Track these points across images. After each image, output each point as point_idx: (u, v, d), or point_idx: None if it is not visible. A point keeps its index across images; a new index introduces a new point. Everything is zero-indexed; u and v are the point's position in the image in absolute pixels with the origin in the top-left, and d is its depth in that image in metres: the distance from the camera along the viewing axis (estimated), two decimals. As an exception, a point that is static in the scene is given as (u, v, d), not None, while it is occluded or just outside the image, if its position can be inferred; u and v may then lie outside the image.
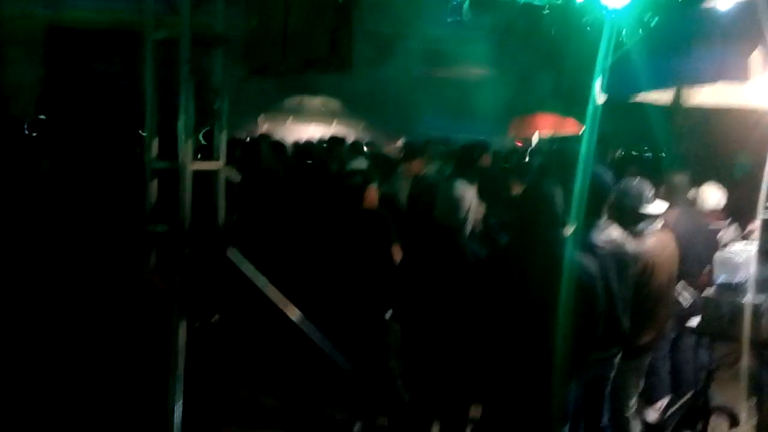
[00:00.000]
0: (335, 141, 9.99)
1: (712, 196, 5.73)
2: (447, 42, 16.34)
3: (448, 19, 14.55)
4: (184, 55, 3.85)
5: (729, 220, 5.86)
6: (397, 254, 5.12)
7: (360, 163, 6.78)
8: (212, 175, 4.24)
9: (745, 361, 4.08)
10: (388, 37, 15.72)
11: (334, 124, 17.50)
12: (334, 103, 18.59)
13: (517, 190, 5.64)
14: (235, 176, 6.38)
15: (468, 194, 4.13)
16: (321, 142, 11.31)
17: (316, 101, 18.51)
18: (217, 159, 4.22)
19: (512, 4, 14.59)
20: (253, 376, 5.76)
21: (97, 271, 6.26)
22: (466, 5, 14.37)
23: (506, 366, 3.69)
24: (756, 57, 3.56)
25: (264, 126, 17.01)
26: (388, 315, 5.10)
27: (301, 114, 18.38)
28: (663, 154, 12.47)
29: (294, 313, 4.90)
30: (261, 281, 4.51)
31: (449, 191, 4.16)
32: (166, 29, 4.00)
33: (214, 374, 5.36)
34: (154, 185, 4.23)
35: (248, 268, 4.28)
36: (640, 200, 4.48)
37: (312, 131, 15.27)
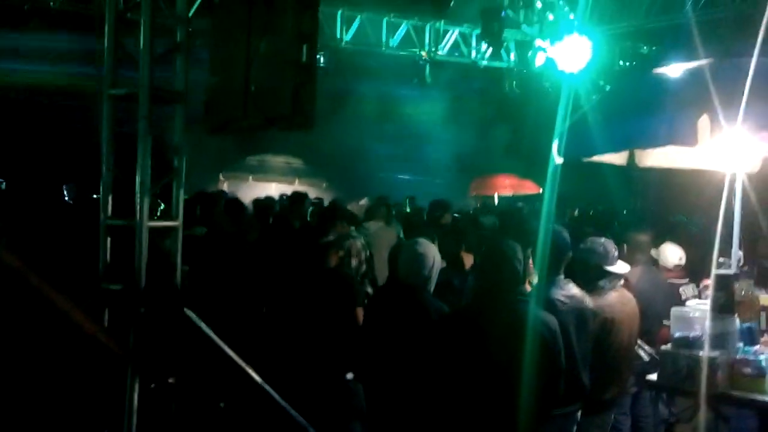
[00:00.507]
0: (297, 197, 9.99)
1: (673, 253, 5.93)
2: (411, 105, 16.67)
3: (413, 81, 14.96)
4: (143, 111, 3.84)
5: (688, 277, 5.99)
6: (361, 317, 5.10)
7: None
8: (169, 233, 4.18)
9: (702, 415, 4.11)
10: (349, 94, 15.94)
11: (296, 183, 17.51)
12: (296, 162, 18.62)
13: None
14: (200, 230, 6.33)
15: (431, 252, 4.16)
16: (282, 197, 11.30)
17: (277, 160, 18.53)
18: (175, 217, 4.18)
19: (472, 67, 15.08)
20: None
21: (50, 331, 6.07)
22: (427, 69, 14.79)
23: (470, 424, 3.65)
24: (704, 123, 3.68)
25: (224, 184, 16.94)
26: (350, 376, 5.05)
27: (263, 173, 18.36)
28: (623, 212, 12.76)
29: (254, 375, 4.80)
30: (220, 342, 4.43)
31: (412, 249, 4.18)
32: (125, 85, 4.00)
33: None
34: (108, 243, 4.16)
35: (206, 328, 4.21)
36: (606, 258, 4.60)
37: (274, 190, 15.25)
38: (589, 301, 4.35)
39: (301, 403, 5.25)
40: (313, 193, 12.98)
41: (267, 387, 4.39)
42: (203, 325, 3.95)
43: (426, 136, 17.62)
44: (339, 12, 13.56)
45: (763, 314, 4.24)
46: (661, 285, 5.66)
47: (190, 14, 3.96)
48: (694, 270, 6.01)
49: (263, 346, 5.44)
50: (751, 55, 3.76)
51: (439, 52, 14.62)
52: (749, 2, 11.98)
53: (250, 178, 18.23)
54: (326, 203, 11.49)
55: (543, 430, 3.80)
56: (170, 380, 3.98)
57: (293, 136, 14.40)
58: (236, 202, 7.96)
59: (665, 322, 5.45)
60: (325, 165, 17.61)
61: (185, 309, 3.90)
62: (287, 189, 14.13)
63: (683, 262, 5.94)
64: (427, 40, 14.60)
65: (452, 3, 11.71)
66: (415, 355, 3.88)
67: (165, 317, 3.95)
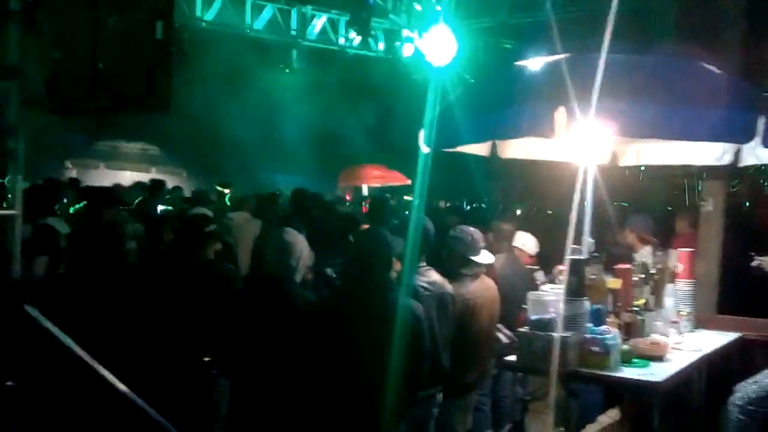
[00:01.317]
0: (157, 185, 9.61)
1: (530, 242, 6.23)
2: (277, 91, 16.39)
3: (280, 66, 14.70)
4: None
5: (539, 264, 6.32)
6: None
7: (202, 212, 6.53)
8: (5, 222, 3.83)
9: (554, 393, 4.31)
10: (215, 82, 15.44)
11: (152, 171, 16.81)
12: (152, 149, 17.84)
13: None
14: (62, 226, 5.91)
15: (298, 241, 4.09)
16: (138, 185, 10.82)
17: (132, 146, 17.69)
18: (12, 205, 3.83)
19: (343, 56, 15.02)
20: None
21: None
22: (294, 54, 14.59)
23: (337, 412, 3.66)
24: (560, 115, 3.82)
25: (72, 172, 16.00)
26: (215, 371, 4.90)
27: (115, 160, 17.49)
28: (483, 204, 13.20)
29: (107, 376, 4.51)
30: (68, 340, 4.13)
31: (279, 239, 4.09)
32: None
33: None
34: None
35: (51, 326, 3.90)
36: (471, 248, 4.78)
37: (128, 179, 14.53)
38: (449, 287, 4.51)
39: (165, 400, 5.04)
40: (172, 182, 12.48)
41: (123, 387, 4.15)
42: (47, 323, 3.66)
43: (293, 124, 17.40)
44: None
45: (609, 296, 4.47)
46: (521, 271, 5.95)
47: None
48: (545, 257, 6.37)
49: (131, 342, 5.20)
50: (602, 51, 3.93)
51: (307, 38, 14.47)
52: (604, 1, 12.69)
53: (102, 165, 17.34)
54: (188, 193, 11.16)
55: (408, 414, 3.88)
56: (8, 383, 3.67)
57: (149, 121, 13.74)
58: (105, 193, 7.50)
59: (524, 306, 5.74)
60: (184, 152, 16.96)
61: (25, 305, 3.60)
62: (143, 177, 13.48)
63: (536, 250, 6.30)
64: (293, 25, 14.39)
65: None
66: (283, 347, 3.83)
67: (1, 314, 3.63)
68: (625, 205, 9.90)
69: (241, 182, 11.09)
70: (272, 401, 3.90)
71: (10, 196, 3.65)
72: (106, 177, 15.20)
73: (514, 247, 6.16)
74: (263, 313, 3.96)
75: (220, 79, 15.48)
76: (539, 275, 6.18)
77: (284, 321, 3.88)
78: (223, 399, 4.53)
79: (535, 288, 5.83)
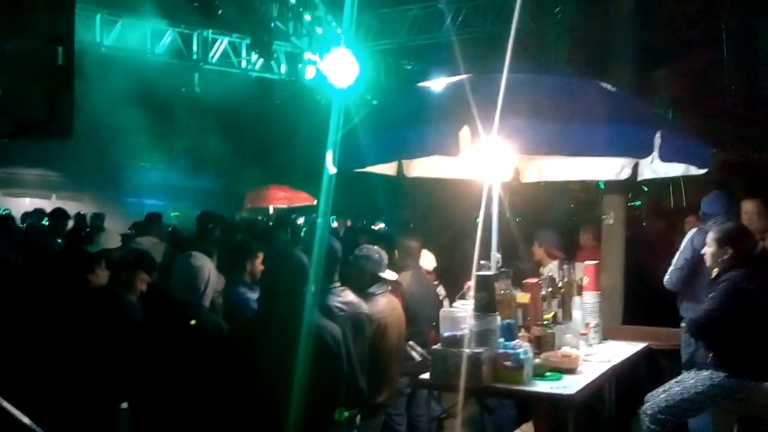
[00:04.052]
0: (59, 215, 9.25)
1: (429, 258, 6.28)
2: (180, 110, 16.10)
3: (182, 90, 14.51)
4: None
5: (437, 280, 6.41)
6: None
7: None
8: None
9: (469, 409, 4.37)
10: (114, 102, 15.08)
11: (53, 197, 16.17)
12: (53, 175, 17.18)
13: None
14: None
15: (206, 265, 4.01)
16: (39, 214, 10.38)
17: (31, 173, 16.99)
18: None
19: (243, 77, 14.93)
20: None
21: None
22: (196, 78, 14.43)
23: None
24: (464, 134, 3.88)
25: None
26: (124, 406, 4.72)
27: (14, 186, 16.75)
28: (387, 223, 13.34)
29: (11, 409, 4.29)
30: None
31: (186, 262, 4.00)
32: None
33: None
34: None
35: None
36: (380, 266, 4.79)
37: (28, 205, 13.95)
38: (364, 307, 4.49)
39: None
40: (73, 208, 12.01)
41: (27, 420, 3.96)
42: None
43: (196, 147, 17.14)
44: (98, 15, 12.82)
45: (519, 311, 4.53)
46: (428, 288, 5.97)
47: None
48: (445, 273, 6.49)
49: (30, 376, 4.95)
50: (503, 71, 4.09)
51: (209, 61, 14.38)
52: (497, 24, 13.19)
53: (0, 192, 16.60)
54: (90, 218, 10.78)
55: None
56: None
57: (49, 146, 13.28)
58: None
59: (434, 323, 5.79)
60: (85, 178, 16.41)
61: None
62: (44, 204, 12.98)
63: (433, 266, 6.34)
64: (195, 48, 14.27)
65: (220, 12, 11.53)
66: (190, 374, 3.72)
67: None
68: (525, 220, 10.16)
69: (143, 205, 10.78)
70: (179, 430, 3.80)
71: None
72: (5, 204, 14.52)
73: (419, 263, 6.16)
74: (169, 339, 3.84)
75: (122, 104, 15.14)
76: (440, 290, 6.26)
77: (192, 347, 3.77)
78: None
79: (439, 303, 5.94)
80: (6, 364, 4.74)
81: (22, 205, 14.40)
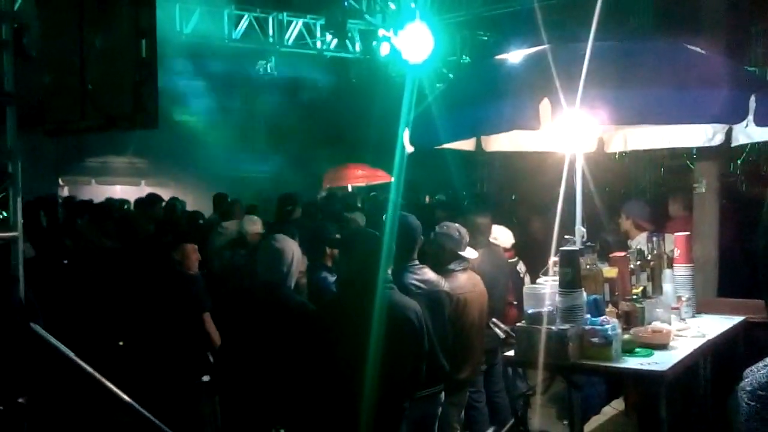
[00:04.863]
0: (152, 199, 9.62)
1: (503, 234, 6.12)
2: (255, 93, 16.40)
3: (259, 72, 14.77)
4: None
5: (517, 256, 6.29)
6: (209, 322, 5.00)
7: None
8: (8, 244, 3.84)
9: (556, 386, 4.31)
10: (194, 89, 15.49)
11: (142, 184, 16.77)
12: (140, 162, 17.82)
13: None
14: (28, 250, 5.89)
15: (289, 247, 4.09)
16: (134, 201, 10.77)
17: (120, 161, 17.67)
18: (14, 228, 3.84)
19: (319, 57, 15.04)
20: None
21: None
22: (273, 60, 14.62)
23: (336, 412, 3.63)
24: (545, 106, 3.81)
25: (64, 189, 15.95)
26: (206, 378, 4.93)
27: (105, 175, 17.46)
28: (464, 198, 13.23)
29: (112, 388, 4.54)
30: (73, 356, 4.15)
31: (269, 245, 4.10)
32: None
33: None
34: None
35: (57, 343, 3.92)
36: (460, 243, 4.75)
37: (119, 193, 14.53)
38: (444, 284, 4.46)
39: (158, 410, 5.09)
40: (164, 194, 12.43)
41: (127, 398, 4.17)
42: (53, 340, 3.67)
43: (274, 129, 17.42)
44: (177, 6, 13.16)
45: (606, 286, 4.42)
46: (502, 265, 5.83)
47: (16, 8, 3.65)
48: (527, 248, 6.35)
49: (117, 354, 5.20)
50: (586, 40, 3.96)
51: (285, 44, 14.56)
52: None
53: (93, 181, 17.31)
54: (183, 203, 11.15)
55: (409, 414, 3.85)
56: (20, 400, 3.68)
57: (136, 135, 13.79)
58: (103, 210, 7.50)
59: (510, 301, 5.73)
60: (171, 164, 16.93)
61: (31, 323, 3.61)
62: (133, 191, 13.51)
63: (512, 242, 6.18)
64: (270, 32, 14.46)
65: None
66: (278, 352, 3.81)
67: (8, 334, 3.64)
68: (610, 191, 9.88)
69: (227, 188, 10.99)
70: (267, 409, 3.90)
71: (11, 218, 3.66)
72: (97, 192, 15.16)
73: (492, 240, 6.01)
74: (257, 320, 3.95)
75: (201, 90, 15.54)
76: (521, 267, 6.15)
77: (279, 326, 3.87)
78: (212, 412, 4.56)
79: (521, 281, 5.84)
80: (104, 345, 5.00)
81: (113, 192, 15.01)
